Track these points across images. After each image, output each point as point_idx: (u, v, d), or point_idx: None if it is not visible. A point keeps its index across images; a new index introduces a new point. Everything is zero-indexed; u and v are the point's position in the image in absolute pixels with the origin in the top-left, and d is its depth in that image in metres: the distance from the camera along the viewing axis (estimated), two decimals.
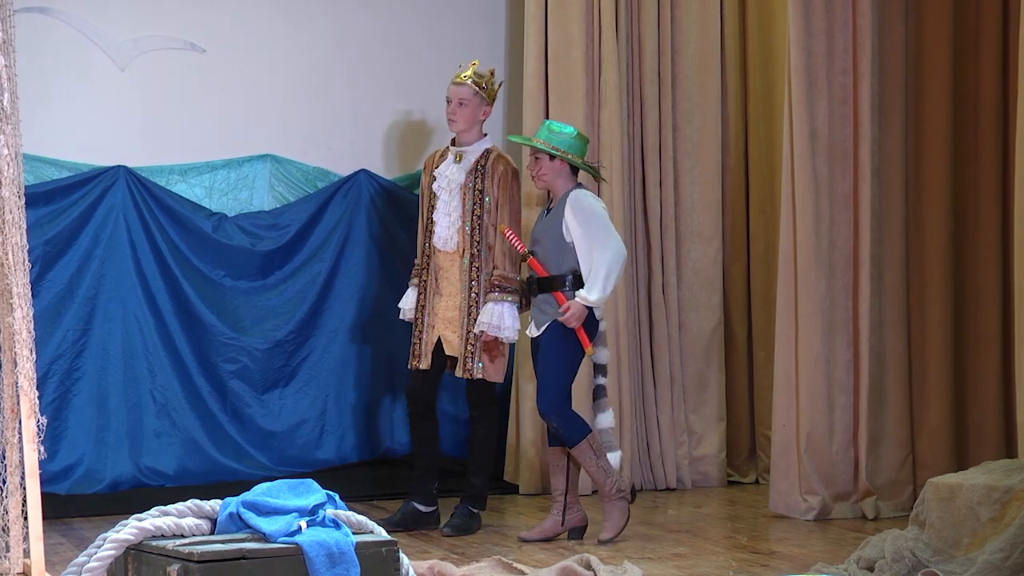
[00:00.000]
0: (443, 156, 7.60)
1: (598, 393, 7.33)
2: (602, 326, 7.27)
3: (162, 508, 4.83)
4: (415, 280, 7.59)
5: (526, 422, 8.62)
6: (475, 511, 7.49)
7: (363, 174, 8.63)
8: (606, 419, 7.29)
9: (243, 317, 8.37)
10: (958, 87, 8.05)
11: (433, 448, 7.61)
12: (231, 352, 8.32)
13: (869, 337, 7.75)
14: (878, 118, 7.81)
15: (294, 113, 8.60)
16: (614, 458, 7.22)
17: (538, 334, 7.23)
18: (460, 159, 7.50)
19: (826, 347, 7.72)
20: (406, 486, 7.78)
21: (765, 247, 9.04)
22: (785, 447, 7.80)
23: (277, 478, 5.12)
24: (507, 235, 7.36)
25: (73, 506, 7.85)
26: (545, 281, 7.20)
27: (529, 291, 7.32)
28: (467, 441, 7.76)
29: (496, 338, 7.33)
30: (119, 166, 8.15)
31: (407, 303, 7.62)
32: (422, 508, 7.54)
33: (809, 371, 7.71)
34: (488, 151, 7.53)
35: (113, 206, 8.11)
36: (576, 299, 7.09)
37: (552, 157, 7.20)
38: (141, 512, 4.82)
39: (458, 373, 7.44)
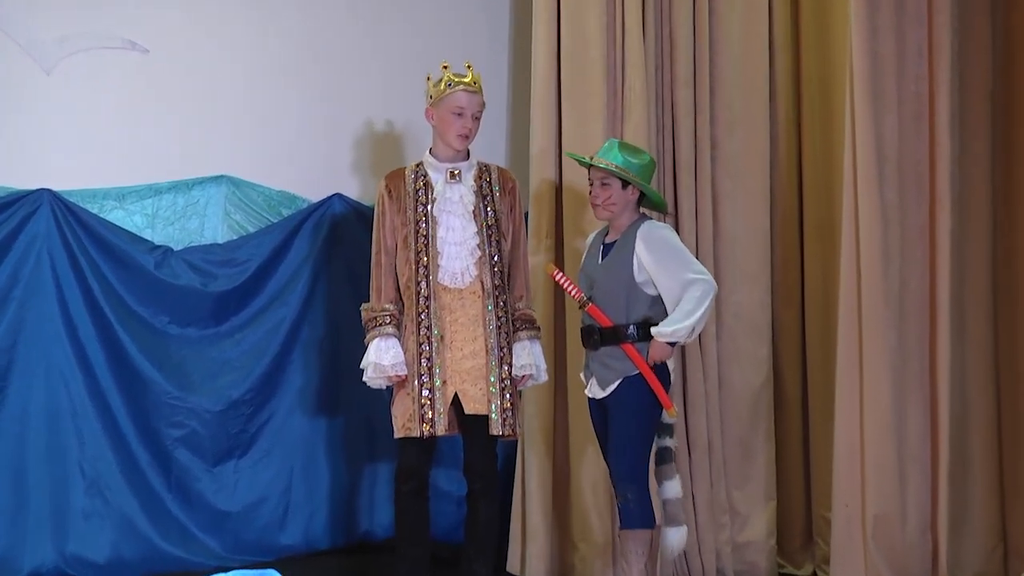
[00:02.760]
0: (420, 175, 6.99)
1: (664, 457, 6.93)
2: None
3: None
4: (388, 329, 6.90)
5: (533, 499, 7.99)
6: None
7: (337, 199, 8.26)
8: (673, 488, 6.91)
9: (191, 372, 7.97)
10: None
11: (425, 534, 7.05)
12: (177, 415, 7.91)
13: (949, 397, 7.51)
14: (959, 135, 7.57)
15: (256, 126, 8.24)
16: (677, 534, 6.86)
17: (604, 395, 6.77)
18: (457, 176, 6.93)
19: (897, 410, 7.47)
20: None
21: (823, 289, 8.35)
22: (848, 532, 7.48)
23: (232, 568, 5.46)
24: (557, 278, 6.95)
25: None
26: (610, 332, 6.73)
27: (587, 343, 6.87)
28: (463, 523, 7.19)
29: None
30: (43, 189, 7.76)
31: (391, 358, 6.83)
32: None
33: (877, 439, 7.43)
34: (485, 165, 7.08)
35: (35, 237, 7.73)
36: (655, 337, 6.65)
37: (625, 184, 6.80)
38: None
39: (495, 431, 6.82)
